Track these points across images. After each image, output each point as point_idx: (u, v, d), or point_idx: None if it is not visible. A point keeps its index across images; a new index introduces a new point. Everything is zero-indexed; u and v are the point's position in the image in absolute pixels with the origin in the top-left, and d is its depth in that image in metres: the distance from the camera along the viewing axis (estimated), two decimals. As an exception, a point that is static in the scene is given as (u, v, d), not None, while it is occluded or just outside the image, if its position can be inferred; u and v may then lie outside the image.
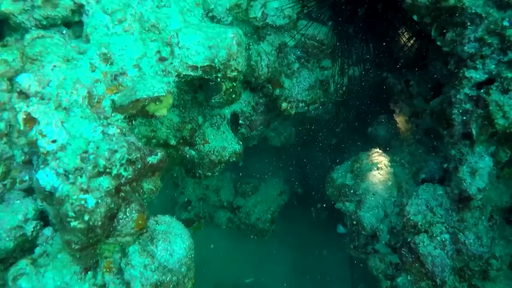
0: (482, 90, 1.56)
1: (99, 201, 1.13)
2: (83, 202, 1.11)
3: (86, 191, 1.13)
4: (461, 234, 1.80)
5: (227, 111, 2.14)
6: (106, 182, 1.16)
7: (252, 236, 3.43)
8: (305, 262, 3.45)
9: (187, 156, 1.91)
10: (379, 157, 2.33)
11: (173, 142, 1.76)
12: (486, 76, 1.56)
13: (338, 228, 2.70)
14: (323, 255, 3.42)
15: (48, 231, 1.49)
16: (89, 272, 1.36)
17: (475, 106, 1.60)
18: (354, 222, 2.25)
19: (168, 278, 1.27)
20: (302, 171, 3.59)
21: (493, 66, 1.54)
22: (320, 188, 2.62)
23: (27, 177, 1.56)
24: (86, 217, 1.12)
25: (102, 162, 1.15)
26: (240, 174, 3.40)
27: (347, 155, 2.68)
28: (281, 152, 3.42)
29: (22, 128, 1.20)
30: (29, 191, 1.56)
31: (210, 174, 1.99)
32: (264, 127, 2.43)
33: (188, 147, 1.91)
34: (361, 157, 2.38)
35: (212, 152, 1.91)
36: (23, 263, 1.37)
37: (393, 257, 2.21)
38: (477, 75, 1.58)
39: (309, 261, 3.45)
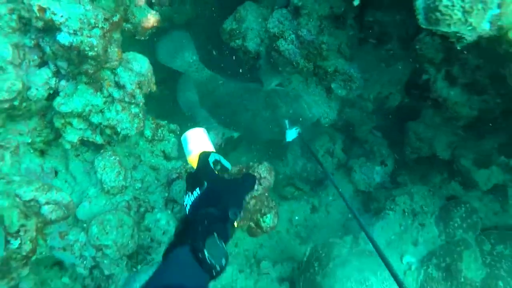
0: None
1: (98, 41, 2.20)
2: (90, 42, 2.17)
3: (90, 37, 2.18)
4: (299, 31, 3.11)
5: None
6: (98, 32, 2.21)
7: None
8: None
9: (126, 29, 2.93)
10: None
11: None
12: None
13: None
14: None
15: (63, 82, 2.53)
16: (98, 92, 2.45)
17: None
18: (244, 51, 3.49)
19: (143, 78, 2.43)
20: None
21: None
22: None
23: (36, 57, 2.52)
24: (95, 49, 2.18)
25: (92, 21, 2.19)
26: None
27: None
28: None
29: (38, 15, 2.16)
30: (40, 65, 2.54)
31: (143, 38, 3.05)
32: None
33: (125, 23, 2.91)
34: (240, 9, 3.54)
35: (140, 21, 2.95)
36: (59, 98, 2.42)
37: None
38: None
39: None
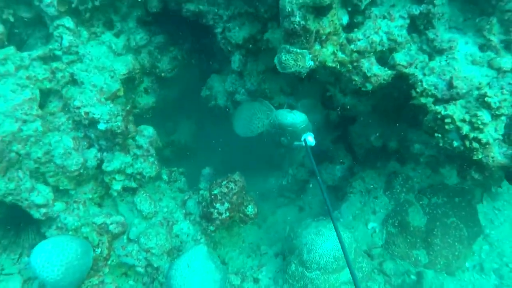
0: None
1: (121, 123, 3.70)
2: (117, 125, 3.66)
3: (116, 122, 3.68)
4: (246, 86, 4.58)
5: None
6: (120, 118, 3.71)
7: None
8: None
9: (135, 112, 4.44)
10: None
11: None
12: None
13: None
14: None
15: (105, 153, 4.00)
16: (127, 154, 3.92)
17: None
18: (217, 107, 4.97)
19: (151, 139, 3.91)
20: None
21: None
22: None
23: (85, 142, 4.02)
24: (121, 128, 3.68)
25: (115, 112, 3.70)
26: None
27: None
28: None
29: (84, 116, 3.69)
30: (89, 146, 4.03)
31: (148, 116, 4.55)
32: None
33: (134, 109, 4.42)
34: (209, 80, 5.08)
35: (144, 105, 4.47)
36: (105, 163, 3.88)
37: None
38: None
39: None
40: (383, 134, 4.78)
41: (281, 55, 2.96)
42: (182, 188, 4.49)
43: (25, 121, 3.48)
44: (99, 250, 3.43)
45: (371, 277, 4.22)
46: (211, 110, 5.08)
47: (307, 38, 2.83)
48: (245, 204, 3.72)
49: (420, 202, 4.64)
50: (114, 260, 3.69)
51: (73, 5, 3.88)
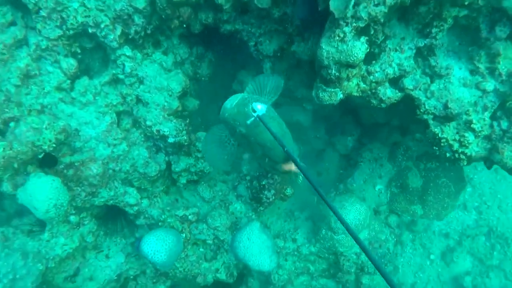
0: None
1: (186, 136, 4.66)
2: (184, 138, 4.64)
3: (182, 136, 4.65)
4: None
5: None
6: (185, 132, 4.67)
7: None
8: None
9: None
10: None
11: None
12: None
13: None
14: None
15: (177, 157, 5.02)
16: (190, 156, 4.94)
17: None
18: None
19: None
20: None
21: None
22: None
23: (154, 149, 5.01)
24: (186, 141, 4.66)
25: (180, 128, 4.65)
26: None
27: None
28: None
29: (156, 133, 4.64)
30: (157, 152, 5.04)
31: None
32: None
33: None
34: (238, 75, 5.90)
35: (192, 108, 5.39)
36: (173, 165, 4.92)
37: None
38: None
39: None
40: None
41: (318, 92, 3.89)
42: (228, 171, 5.59)
43: (115, 145, 4.44)
44: (184, 234, 4.63)
45: (380, 231, 5.56)
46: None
47: (340, 82, 3.74)
48: (284, 187, 4.87)
49: (418, 167, 5.82)
50: (191, 239, 4.92)
51: (130, 36, 4.59)
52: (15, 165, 3.93)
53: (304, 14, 4.29)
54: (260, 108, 2.69)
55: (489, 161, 3.99)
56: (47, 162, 4.03)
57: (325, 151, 6.49)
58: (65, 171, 4.24)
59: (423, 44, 3.99)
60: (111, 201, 4.53)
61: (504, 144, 3.80)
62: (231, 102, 2.82)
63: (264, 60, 5.05)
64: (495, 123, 3.84)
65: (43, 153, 4.00)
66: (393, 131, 6.01)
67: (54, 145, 4.07)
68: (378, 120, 5.18)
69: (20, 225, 4.46)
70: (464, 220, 6.93)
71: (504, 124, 3.80)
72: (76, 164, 4.29)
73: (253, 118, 2.68)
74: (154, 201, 4.82)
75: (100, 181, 4.36)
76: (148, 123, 4.60)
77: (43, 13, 4.30)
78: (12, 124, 4.28)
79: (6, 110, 4.30)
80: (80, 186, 4.31)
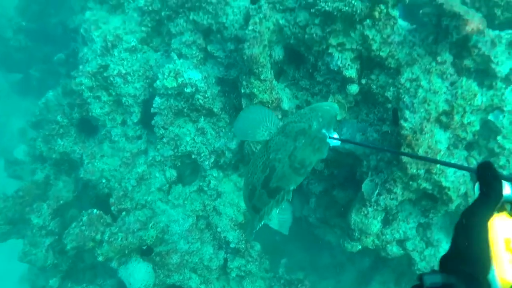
0: None
1: None
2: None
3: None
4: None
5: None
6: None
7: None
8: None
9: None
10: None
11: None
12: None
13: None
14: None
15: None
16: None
17: None
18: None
19: None
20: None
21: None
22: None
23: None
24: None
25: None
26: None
27: None
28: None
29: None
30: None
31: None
32: None
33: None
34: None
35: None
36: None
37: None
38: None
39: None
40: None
41: (344, 243, 5.44)
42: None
43: (192, 243, 6.01)
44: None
45: None
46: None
47: (360, 241, 5.20)
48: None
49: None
50: None
51: (219, 164, 6.25)
52: (126, 252, 5.54)
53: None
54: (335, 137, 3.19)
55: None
56: (145, 250, 5.62)
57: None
58: (154, 257, 5.81)
59: (423, 221, 5.41)
60: (178, 283, 6.02)
61: None
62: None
63: (311, 195, 6.57)
64: None
65: (146, 246, 5.60)
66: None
67: (153, 239, 5.67)
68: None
69: None
70: None
71: None
72: (163, 253, 5.86)
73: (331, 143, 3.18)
74: (210, 287, 6.27)
75: (176, 268, 5.89)
76: (219, 229, 6.17)
77: (164, 140, 6.07)
78: (124, 213, 5.96)
79: (123, 202, 6.00)
80: (161, 269, 5.86)
